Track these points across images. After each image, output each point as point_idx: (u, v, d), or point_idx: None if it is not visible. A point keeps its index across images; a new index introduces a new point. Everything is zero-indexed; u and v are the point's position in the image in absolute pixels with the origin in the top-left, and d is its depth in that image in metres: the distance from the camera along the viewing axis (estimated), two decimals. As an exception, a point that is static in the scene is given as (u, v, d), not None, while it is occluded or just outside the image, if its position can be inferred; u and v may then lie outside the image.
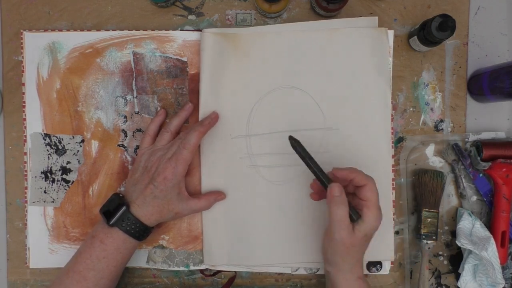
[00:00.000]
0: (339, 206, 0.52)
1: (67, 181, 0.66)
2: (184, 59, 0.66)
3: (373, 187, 0.53)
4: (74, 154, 0.66)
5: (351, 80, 0.64)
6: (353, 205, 0.55)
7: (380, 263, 0.66)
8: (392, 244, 0.65)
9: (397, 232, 0.67)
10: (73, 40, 0.65)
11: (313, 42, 0.64)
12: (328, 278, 0.58)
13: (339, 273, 0.56)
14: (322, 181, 0.55)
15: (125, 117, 0.66)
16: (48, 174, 0.66)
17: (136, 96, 0.66)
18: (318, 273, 0.66)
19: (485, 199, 0.66)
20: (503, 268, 0.65)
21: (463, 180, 0.66)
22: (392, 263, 0.66)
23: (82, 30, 0.66)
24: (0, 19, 0.66)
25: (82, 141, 0.66)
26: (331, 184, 0.54)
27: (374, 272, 0.66)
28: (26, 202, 0.66)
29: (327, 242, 0.55)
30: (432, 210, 0.64)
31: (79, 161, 0.66)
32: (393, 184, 0.65)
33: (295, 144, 0.56)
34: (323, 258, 0.59)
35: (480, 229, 0.64)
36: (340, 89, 0.64)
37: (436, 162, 0.67)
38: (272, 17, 0.66)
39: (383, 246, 0.65)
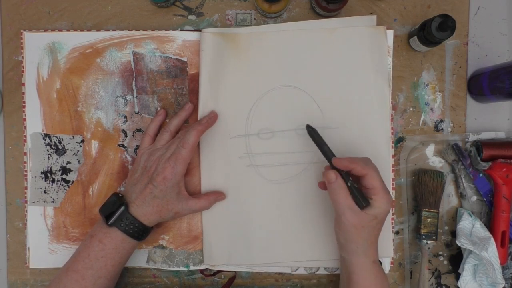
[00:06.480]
0: (336, 190, 0.54)
1: (67, 181, 0.66)
2: (184, 59, 0.66)
3: (374, 174, 0.54)
4: (74, 154, 0.66)
5: (350, 78, 0.64)
6: (363, 191, 0.55)
7: (379, 261, 0.66)
8: (391, 242, 0.65)
9: (397, 232, 0.67)
10: (73, 40, 0.65)
11: (312, 41, 0.64)
12: (344, 266, 0.58)
13: (353, 257, 0.56)
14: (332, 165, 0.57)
15: (125, 117, 0.66)
16: (48, 174, 0.66)
17: (136, 96, 0.66)
18: (317, 273, 0.66)
19: (485, 199, 0.66)
20: (503, 268, 0.65)
21: (463, 180, 0.66)
22: (392, 263, 0.66)
23: (82, 30, 0.66)
24: (0, 19, 0.66)
25: (82, 141, 0.66)
26: (326, 171, 0.56)
27: (374, 271, 0.66)
28: (26, 202, 0.66)
29: (337, 228, 0.56)
30: (432, 210, 0.64)
31: (79, 161, 0.66)
32: (393, 184, 0.65)
33: (312, 132, 0.59)
34: (338, 246, 0.59)
35: (480, 229, 0.64)
36: (339, 88, 0.64)
37: (436, 162, 0.67)
38: (272, 17, 0.66)
39: (383, 244, 0.64)
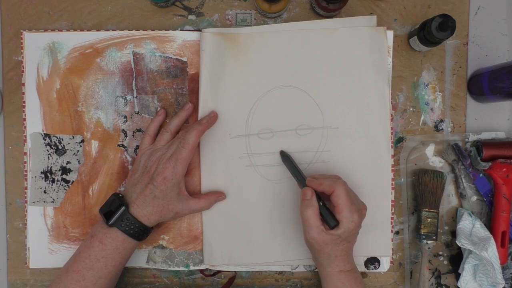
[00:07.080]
0: (307, 208, 0.56)
1: (67, 181, 0.66)
2: (184, 59, 0.66)
3: (339, 192, 0.55)
4: (74, 154, 0.66)
5: (350, 79, 0.64)
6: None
7: (378, 260, 0.66)
8: (390, 241, 0.65)
9: (397, 232, 0.67)
10: (73, 40, 0.65)
11: (312, 41, 0.64)
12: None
13: (321, 267, 0.59)
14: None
15: (125, 117, 0.66)
16: (48, 174, 0.66)
17: (136, 96, 0.66)
18: (317, 270, 0.66)
19: (485, 199, 0.66)
20: (503, 268, 0.65)
21: (463, 180, 0.66)
22: (392, 262, 0.66)
23: (82, 30, 0.66)
24: (0, 19, 0.66)
25: (82, 141, 0.66)
26: (303, 188, 0.58)
27: (372, 269, 0.66)
28: (26, 202, 0.66)
29: (305, 240, 0.58)
30: (432, 210, 0.64)
31: (79, 161, 0.66)
32: (393, 184, 0.65)
33: (284, 158, 0.63)
34: None
35: (480, 229, 0.64)
36: (339, 88, 0.64)
37: (436, 162, 0.67)
38: (272, 17, 0.66)
39: (381, 243, 0.65)
